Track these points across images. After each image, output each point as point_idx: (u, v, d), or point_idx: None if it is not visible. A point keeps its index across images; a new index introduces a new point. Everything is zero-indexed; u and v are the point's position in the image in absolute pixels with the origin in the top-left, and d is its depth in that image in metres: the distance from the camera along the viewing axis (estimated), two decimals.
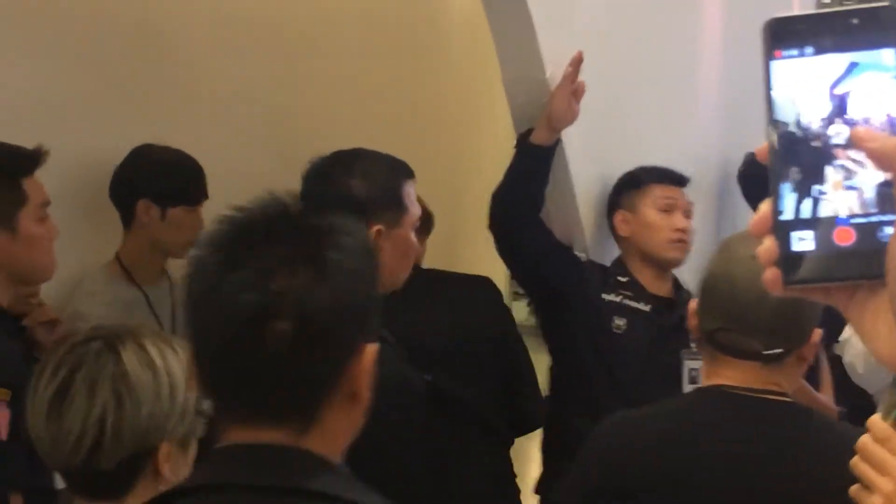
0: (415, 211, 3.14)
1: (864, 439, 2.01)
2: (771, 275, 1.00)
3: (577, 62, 3.94)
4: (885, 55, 0.99)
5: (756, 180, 4.72)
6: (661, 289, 4.21)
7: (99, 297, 4.03)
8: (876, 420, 2.01)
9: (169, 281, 4.23)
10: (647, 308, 4.14)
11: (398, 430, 2.85)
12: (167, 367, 2.23)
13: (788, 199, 1.01)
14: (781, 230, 1.01)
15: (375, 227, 3.01)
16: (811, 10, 1.02)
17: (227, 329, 1.72)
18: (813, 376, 3.93)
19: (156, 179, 4.03)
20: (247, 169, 4.46)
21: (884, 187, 0.98)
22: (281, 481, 1.72)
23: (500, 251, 4.17)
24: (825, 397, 4.20)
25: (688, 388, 3.88)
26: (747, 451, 2.58)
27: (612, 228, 4.30)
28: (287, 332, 1.69)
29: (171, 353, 2.25)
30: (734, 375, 2.63)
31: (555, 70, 3.99)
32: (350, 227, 1.81)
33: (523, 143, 4.06)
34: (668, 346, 4.05)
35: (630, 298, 4.15)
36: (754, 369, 2.62)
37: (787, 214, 1.01)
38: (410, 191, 3.14)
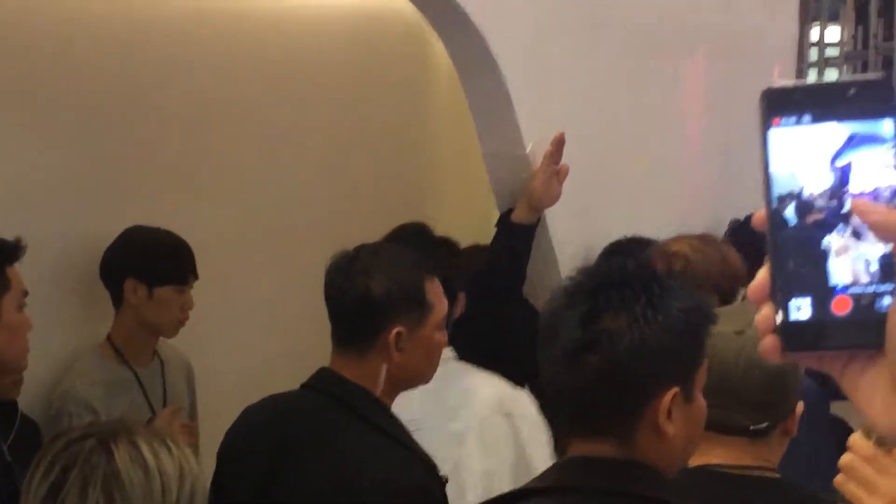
0: (441, 308, 3.07)
1: (850, 458, 2.01)
2: (769, 342, 1.00)
3: (559, 142, 3.95)
4: (883, 126, 1.00)
5: (741, 245, 4.76)
6: None
7: (90, 377, 4.05)
8: (858, 438, 2.02)
9: (160, 361, 4.24)
10: None
11: None
12: (160, 466, 2.24)
13: (786, 266, 1.01)
14: (779, 298, 1.00)
15: (395, 330, 2.95)
16: (808, 82, 1.03)
17: (555, 355, 2.09)
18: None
19: (142, 259, 4.07)
20: (240, 245, 4.48)
21: (883, 258, 0.98)
22: (621, 486, 2.08)
23: (481, 326, 4.15)
24: None
25: None
26: None
27: None
28: (594, 363, 2.05)
29: (165, 451, 2.26)
30: (721, 453, 2.62)
31: (535, 145, 4.01)
32: (682, 292, 2.14)
33: (504, 220, 4.08)
34: None
35: None
36: (741, 445, 2.61)
37: (785, 282, 1.01)
38: (433, 287, 3.06)
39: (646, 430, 2.11)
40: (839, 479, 2.03)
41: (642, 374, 2.09)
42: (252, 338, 4.43)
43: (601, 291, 2.08)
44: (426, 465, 2.94)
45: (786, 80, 1.03)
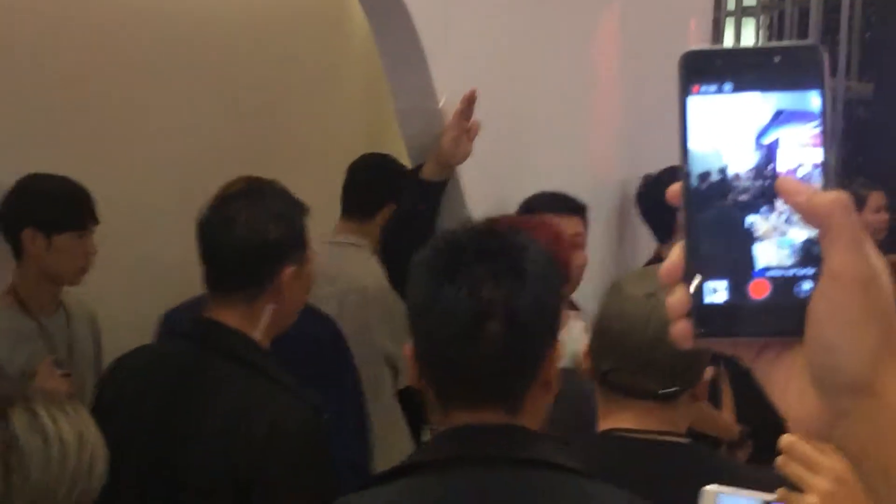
0: (310, 245, 3.12)
1: (791, 438, 2.00)
2: (681, 327, 0.95)
3: (469, 100, 3.90)
4: (809, 98, 0.94)
5: (654, 202, 4.77)
6: None
7: None
8: None
9: (65, 311, 4.19)
10: None
11: None
12: (59, 432, 2.19)
13: (702, 246, 0.95)
14: (694, 279, 0.95)
15: (289, 269, 3.00)
16: (730, 46, 0.98)
17: (448, 332, 2.07)
18: (714, 396, 3.95)
19: (39, 208, 4.00)
20: (146, 195, 4.43)
21: (804, 241, 0.94)
22: (513, 453, 2.08)
23: (393, 282, 4.15)
24: (726, 417, 4.25)
25: None
26: (645, 498, 2.58)
27: None
28: (499, 332, 2.06)
29: (64, 418, 2.22)
30: (629, 417, 2.61)
31: (449, 99, 3.96)
32: (535, 244, 2.18)
33: (413, 177, 4.04)
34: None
35: None
36: (649, 410, 2.60)
37: (700, 263, 0.95)
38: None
39: (533, 392, 2.15)
40: (780, 460, 2.03)
41: (540, 333, 2.14)
42: (158, 289, 4.37)
43: (470, 262, 2.09)
44: (311, 407, 2.95)
45: (706, 45, 0.98)
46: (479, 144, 3.96)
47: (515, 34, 4.41)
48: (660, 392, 2.60)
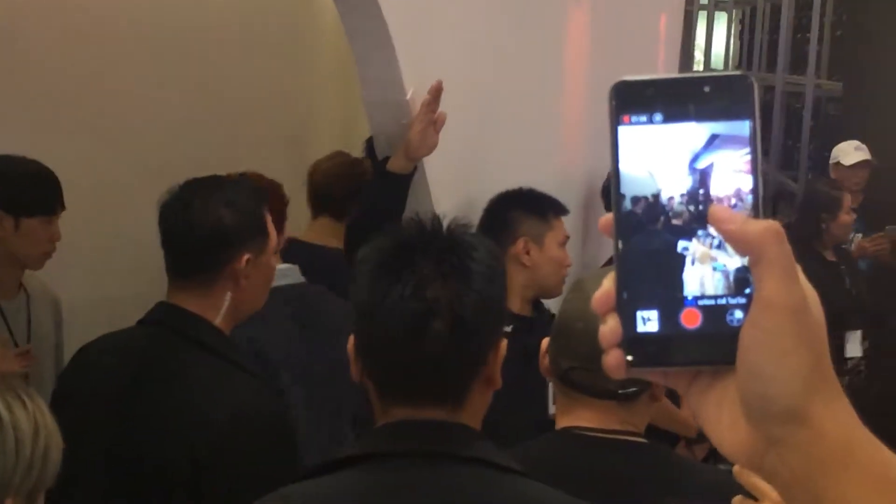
0: (274, 236, 3.13)
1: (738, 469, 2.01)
2: (613, 357, 0.96)
3: (436, 91, 3.87)
4: (738, 128, 0.95)
5: None
6: (523, 309, 4.22)
7: None
8: None
9: (26, 294, 4.17)
10: (507, 328, 4.11)
11: None
12: (13, 420, 2.18)
13: (634, 274, 0.96)
14: (625, 309, 0.96)
15: (245, 257, 3.00)
16: (661, 75, 0.97)
17: (394, 332, 2.06)
18: (673, 392, 3.95)
19: (8, 190, 3.98)
20: (110, 178, 4.40)
21: (736, 269, 0.94)
22: (450, 449, 2.08)
23: None
24: (685, 414, 4.26)
25: (553, 409, 3.89)
26: (602, 496, 2.58)
27: (506, 251, 4.18)
28: (443, 331, 2.04)
29: (19, 404, 2.20)
30: (589, 416, 2.62)
31: (416, 91, 3.93)
32: (483, 241, 2.18)
33: (379, 169, 4.01)
34: (531, 366, 4.04)
35: None
36: (609, 409, 2.61)
37: (632, 293, 0.96)
38: (267, 216, 3.12)
39: (476, 389, 2.15)
40: (737, 468, 2.03)
41: (485, 332, 2.13)
42: (122, 273, 4.36)
43: (416, 261, 2.10)
44: (273, 391, 2.99)
45: (638, 75, 0.99)
46: (446, 137, 3.94)
47: (485, 27, 4.40)
48: (619, 392, 2.61)
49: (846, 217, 6.77)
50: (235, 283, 3.01)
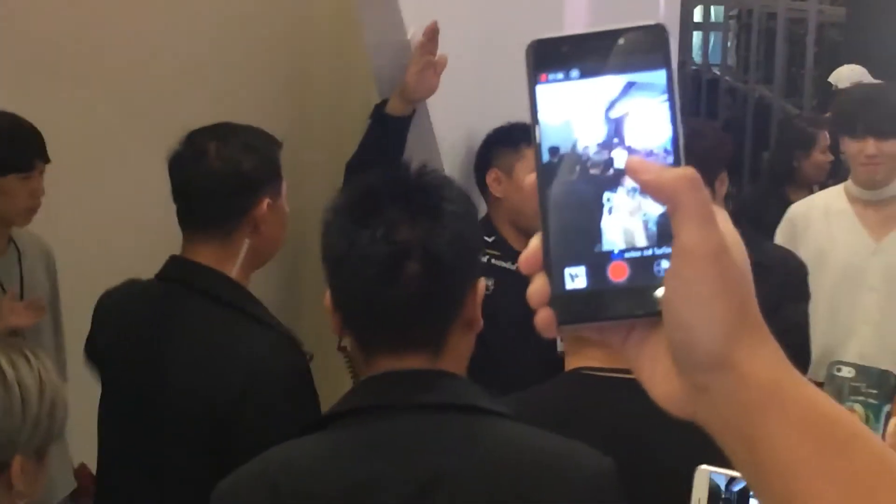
0: (282, 178, 3.08)
1: None
2: (542, 316, 0.95)
3: (431, 32, 3.80)
4: (655, 77, 0.95)
5: None
6: (523, 244, 4.18)
7: None
8: None
9: (17, 250, 4.09)
10: (514, 267, 4.09)
11: None
12: (19, 378, 2.18)
13: (559, 232, 0.95)
14: (553, 267, 0.95)
15: (265, 202, 2.96)
16: (574, 32, 0.97)
17: (366, 278, 2.04)
18: None
19: None
20: (105, 129, 4.36)
21: (660, 219, 0.93)
22: (431, 399, 2.07)
23: None
24: None
25: (561, 346, 3.88)
26: (614, 435, 2.57)
27: (481, 184, 4.22)
28: (417, 272, 2.03)
29: (24, 363, 2.20)
30: (596, 355, 2.62)
31: (417, 32, 3.86)
32: (450, 182, 2.18)
33: (378, 112, 3.95)
34: None
35: (497, 258, 4.08)
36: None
37: (558, 250, 0.95)
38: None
39: (456, 332, 2.14)
40: None
41: (460, 271, 2.12)
42: (117, 225, 4.32)
43: (384, 205, 2.08)
44: (294, 344, 2.93)
45: (552, 33, 0.98)
46: (447, 77, 3.90)
47: None
48: None
49: (821, 156, 6.52)
50: (255, 229, 2.97)
